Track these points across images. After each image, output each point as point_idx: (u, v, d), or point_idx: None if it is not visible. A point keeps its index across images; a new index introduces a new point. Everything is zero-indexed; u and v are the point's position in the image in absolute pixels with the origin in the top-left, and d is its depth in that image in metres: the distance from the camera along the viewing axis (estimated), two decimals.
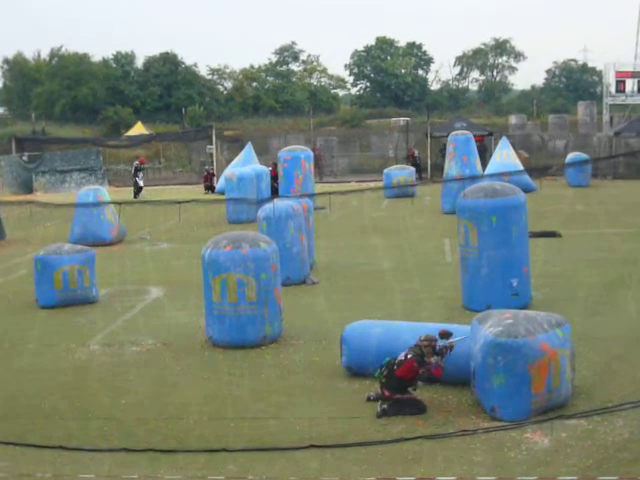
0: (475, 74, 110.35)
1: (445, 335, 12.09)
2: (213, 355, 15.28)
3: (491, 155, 46.34)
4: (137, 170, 47.30)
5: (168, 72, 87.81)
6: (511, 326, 11.46)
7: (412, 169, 45.81)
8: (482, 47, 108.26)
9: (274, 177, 38.46)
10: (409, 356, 11.84)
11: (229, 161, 51.66)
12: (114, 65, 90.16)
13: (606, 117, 59.90)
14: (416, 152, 55.17)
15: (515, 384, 11.24)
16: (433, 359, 11.85)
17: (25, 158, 56.56)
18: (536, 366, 11.23)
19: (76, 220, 29.72)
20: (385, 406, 11.80)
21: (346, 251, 25.86)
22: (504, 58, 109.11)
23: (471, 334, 12.14)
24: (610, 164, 48.88)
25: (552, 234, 26.60)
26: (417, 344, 11.98)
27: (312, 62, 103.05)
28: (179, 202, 25.21)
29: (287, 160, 35.33)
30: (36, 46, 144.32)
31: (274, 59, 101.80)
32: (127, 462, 10.59)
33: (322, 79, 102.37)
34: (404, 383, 11.83)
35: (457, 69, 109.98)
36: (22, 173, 55.59)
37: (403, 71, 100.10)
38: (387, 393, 11.87)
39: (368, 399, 12.26)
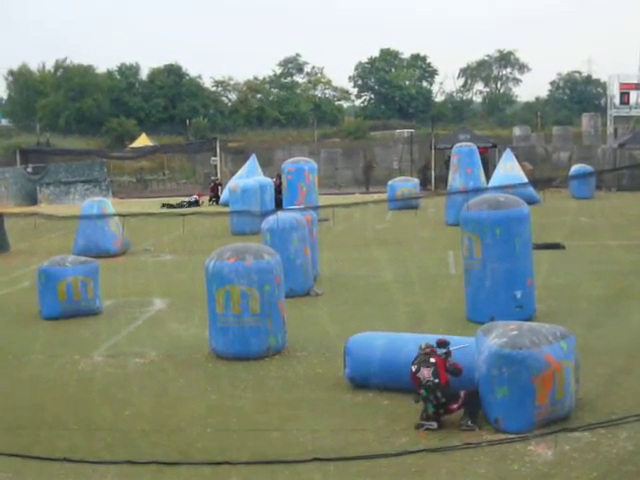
0: (479, 86, 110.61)
1: (443, 344, 12.05)
2: (216, 367, 15.27)
3: (494, 167, 46.34)
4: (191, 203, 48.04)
5: (172, 84, 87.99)
6: (516, 337, 11.45)
7: (416, 181, 45.88)
8: (486, 59, 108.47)
9: (277, 189, 38.47)
10: (431, 360, 11.75)
11: (233, 173, 51.77)
12: (118, 77, 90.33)
13: (610, 129, 59.96)
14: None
15: (519, 396, 11.22)
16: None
17: (29, 170, 56.68)
18: (540, 378, 11.21)
19: (80, 232, 29.77)
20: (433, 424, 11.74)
21: (349, 263, 25.85)
22: (508, 70, 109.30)
23: (475, 345, 12.14)
24: (614, 176, 48.87)
25: (556, 246, 26.58)
26: (421, 354, 11.93)
27: (316, 74, 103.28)
28: (183, 214, 25.27)
29: (291, 172, 35.34)
30: (41, 58, 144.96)
31: (278, 71, 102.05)
32: (131, 474, 10.59)
33: (326, 91, 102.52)
34: (449, 384, 11.77)
35: (461, 81, 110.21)
36: (26, 184, 55.70)
37: (407, 83, 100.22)
38: (454, 407, 11.70)
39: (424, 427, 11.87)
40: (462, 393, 11.67)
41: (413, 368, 11.86)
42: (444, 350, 11.94)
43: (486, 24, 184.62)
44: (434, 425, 11.61)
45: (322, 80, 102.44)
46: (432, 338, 12.98)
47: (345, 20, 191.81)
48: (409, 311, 18.72)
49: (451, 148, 39.54)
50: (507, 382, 11.27)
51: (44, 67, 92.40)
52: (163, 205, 47.28)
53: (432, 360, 11.75)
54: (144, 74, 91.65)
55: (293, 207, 27.31)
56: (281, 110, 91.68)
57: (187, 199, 48.63)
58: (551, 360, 11.31)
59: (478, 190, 27.52)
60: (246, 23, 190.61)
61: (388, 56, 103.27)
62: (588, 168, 45.99)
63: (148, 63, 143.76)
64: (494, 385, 11.39)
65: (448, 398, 11.62)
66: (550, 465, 10.30)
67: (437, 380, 11.62)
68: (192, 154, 65.10)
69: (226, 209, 40.50)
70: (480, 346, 11.90)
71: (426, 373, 11.69)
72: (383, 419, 12.17)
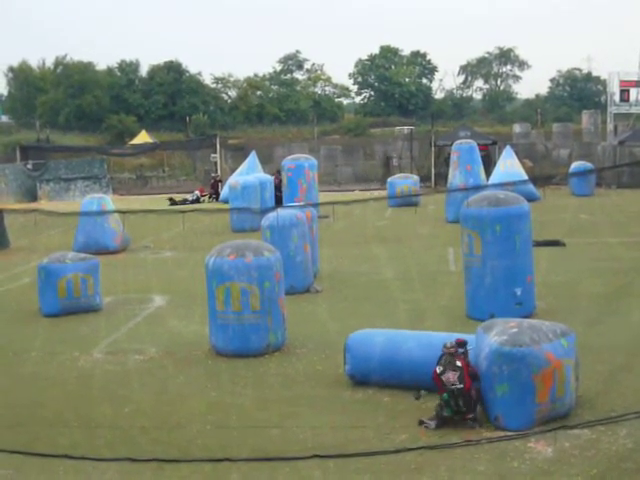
0: (479, 83, 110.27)
1: (461, 344, 12.04)
2: (216, 364, 15.29)
3: (495, 164, 46.31)
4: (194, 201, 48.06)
5: (172, 81, 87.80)
6: (516, 335, 11.46)
7: (416, 178, 45.78)
8: (486, 56, 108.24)
9: (277, 186, 38.43)
10: (457, 364, 11.72)
11: (233, 170, 51.74)
12: (118, 73, 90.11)
13: (610, 126, 59.82)
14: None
15: (519, 393, 11.24)
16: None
17: (29, 166, 56.64)
18: (540, 375, 11.22)
19: (80, 228, 29.76)
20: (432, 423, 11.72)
21: (349, 260, 25.87)
22: (508, 67, 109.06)
23: (476, 343, 12.14)
24: (614, 173, 48.84)
25: (556, 243, 26.58)
26: (446, 353, 11.88)
27: (316, 71, 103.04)
28: (183, 211, 25.27)
29: (291, 169, 35.32)
30: (41, 54, 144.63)
31: (278, 68, 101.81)
32: (131, 471, 10.61)
33: (326, 88, 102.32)
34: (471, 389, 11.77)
35: (461, 78, 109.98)
36: (26, 181, 55.69)
37: (407, 80, 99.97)
38: (470, 416, 11.64)
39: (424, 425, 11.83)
40: (473, 396, 11.62)
41: (438, 369, 11.82)
42: (462, 350, 11.93)
43: (486, 21, 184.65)
44: (432, 425, 11.60)
45: (322, 77, 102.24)
46: (432, 335, 13.03)
47: (345, 17, 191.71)
48: (409, 308, 18.74)
49: (451, 145, 39.50)
50: (507, 380, 11.29)
51: (44, 64, 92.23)
52: (170, 199, 47.32)
53: (458, 364, 11.71)
54: (144, 71, 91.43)
55: (293, 204, 27.28)
56: (281, 107, 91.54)
57: (189, 197, 48.60)
58: (551, 358, 11.32)
59: (478, 187, 27.51)
60: (246, 20, 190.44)
61: (388, 53, 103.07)
62: (588, 165, 45.99)
63: (148, 60, 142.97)
64: (494, 382, 11.41)
65: (468, 407, 11.60)
66: (550, 462, 10.32)
67: (461, 385, 11.60)
68: (192, 151, 65.02)
69: (226, 206, 40.53)
70: (480, 343, 11.91)
71: (451, 377, 11.66)
72: (383, 416, 12.19)
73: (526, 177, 42.00)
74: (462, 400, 11.57)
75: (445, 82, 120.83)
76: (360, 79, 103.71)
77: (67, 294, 19.76)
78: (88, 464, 10.80)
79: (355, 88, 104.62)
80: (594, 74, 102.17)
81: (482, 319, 14.14)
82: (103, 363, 15.68)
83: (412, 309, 18.66)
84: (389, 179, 45.17)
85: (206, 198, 49.31)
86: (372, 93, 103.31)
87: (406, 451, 10.73)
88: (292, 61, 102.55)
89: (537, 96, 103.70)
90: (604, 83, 78.00)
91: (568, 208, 37.40)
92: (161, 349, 16.36)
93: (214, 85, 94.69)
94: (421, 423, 11.68)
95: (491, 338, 11.61)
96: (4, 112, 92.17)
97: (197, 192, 49.41)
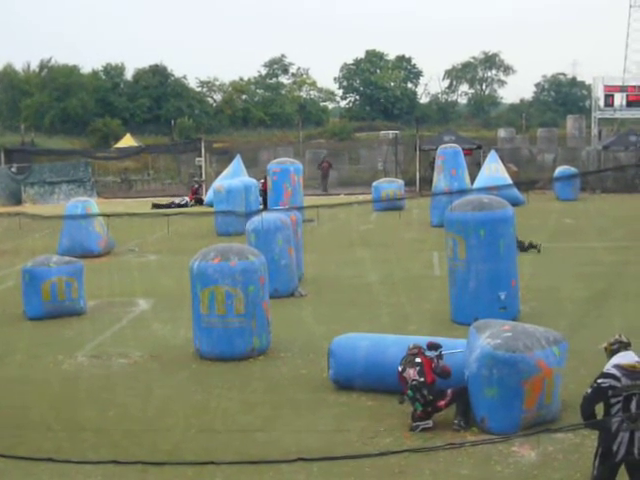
0: (464, 87, 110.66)
1: (433, 347, 12.09)
2: (201, 368, 15.28)
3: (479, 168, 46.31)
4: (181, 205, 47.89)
5: (157, 84, 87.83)
6: (510, 340, 11.46)
7: (401, 182, 45.71)
8: (471, 60, 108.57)
9: (264, 191, 38.36)
10: (417, 360, 11.81)
11: (218, 173, 51.61)
12: (104, 77, 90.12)
13: (595, 131, 60.00)
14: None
15: (507, 398, 11.27)
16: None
17: (14, 169, 56.41)
18: (530, 382, 11.26)
19: (64, 232, 29.66)
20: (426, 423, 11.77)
21: (334, 264, 25.85)
22: (493, 71, 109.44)
23: (468, 342, 12.14)
24: (598, 178, 48.94)
25: (531, 247, 26.28)
26: (408, 354, 11.97)
27: (301, 75, 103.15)
28: (167, 214, 25.25)
29: (276, 173, 35.29)
30: (26, 57, 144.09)
31: (264, 72, 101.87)
32: (116, 474, 10.59)
33: (311, 92, 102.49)
34: (437, 383, 11.81)
35: (446, 82, 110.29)
36: (11, 184, 55.41)
37: (392, 84, 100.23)
38: (442, 403, 11.77)
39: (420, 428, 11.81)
40: (449, 391, 11.71)
41: (400, 368, 11.92)
42: (435, 353, 11.98)
43: (471, 26, 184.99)
44: (430, 423, 11.65)
45: (307, 81, 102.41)
46: (416, 339, 13.03)
47: (330, 21, 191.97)
48: (393, 312, 18.75)
49: (436, 149, 39.52)
50: (497, 383, 11.32)
51: (29, 67, 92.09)
52: (154, 205, 47.19)
53: (418, 360, 11.80)
54: (129, 74, 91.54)
55: (278, 208, 27.28)
56: (266, 111, 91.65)
57: (178, 200, 48.37)
58: (542, 365, 11.36)
59: (462, 191, 27.54)
60: (231, 24, 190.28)
61: (373, 57, 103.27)
62: (572, 170, 46.09)
63: (133, 63, 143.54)
64: (483, 385, 11.43)
65: (435, 395, 11.67)
66: (534, 466, 10.35)
67: (422, 379, 11.66)
68: (177, 154, 64.90)
69: (211, 209, 40.45)
70: (472, 343, 11.90)
71: (412, 372, 11.74)
72: (367, 420, 12.20)
73: (511, 181, 42.04)
74: (426, 390, 11.63)
75: (430, 87, 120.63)
76: (345, 83, 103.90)
77: (51, 297, 19.71)
78: (72, 467, 10.77)
79: (340, 92, 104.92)
80: (579, 79, 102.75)
81: (466, 323, 14.13)
82: (87, 367, 15.66)
83: (396, 313, 18.67)
84: (374, 183, 45.12)
85: (193, 202, 49.14)
86: (357, 97, 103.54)
87: (390, 454, 10.73)
88: (277, 65, 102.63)
89: (522, 101, 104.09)
90: (589, 88, 78.32)
91: (552, 212, 37.41)
92: (146, 352, 16.34)
93: (199, 89, 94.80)
94: (415, 428, 11.68)
95: (484, 340, 11.61)
96: None
97: (186, 198, 49.26)
